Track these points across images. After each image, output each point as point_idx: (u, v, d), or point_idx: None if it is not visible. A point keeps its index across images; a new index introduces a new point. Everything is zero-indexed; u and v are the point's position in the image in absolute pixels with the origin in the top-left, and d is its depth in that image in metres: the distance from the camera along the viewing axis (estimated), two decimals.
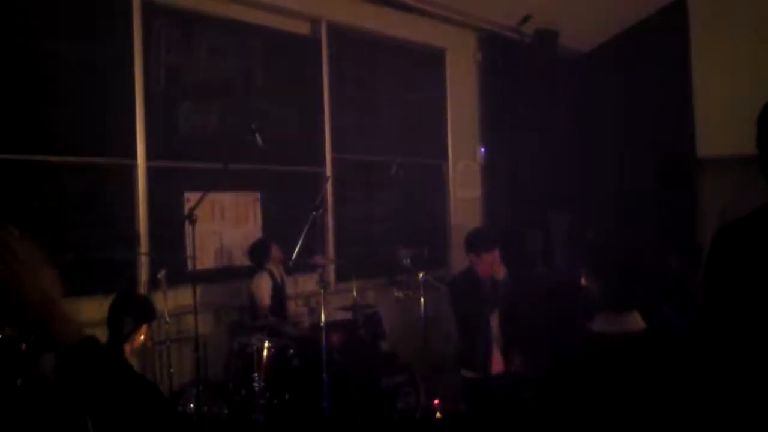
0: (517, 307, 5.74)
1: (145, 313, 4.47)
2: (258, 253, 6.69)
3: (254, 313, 6.50)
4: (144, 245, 6.22)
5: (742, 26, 9.25)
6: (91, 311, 5.50)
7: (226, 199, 6.85)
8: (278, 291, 6.67)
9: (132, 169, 6.22)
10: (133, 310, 4.39)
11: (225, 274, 6.84)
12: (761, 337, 2.19)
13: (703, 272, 2.33)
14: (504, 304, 5.67)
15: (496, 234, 6.24)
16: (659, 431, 2.21)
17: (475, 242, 5.59)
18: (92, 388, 1.59)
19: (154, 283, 5.93)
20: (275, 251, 6.67)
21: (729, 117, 7.93)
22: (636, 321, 2.41)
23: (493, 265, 5.51)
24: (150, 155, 6.30)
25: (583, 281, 2.53)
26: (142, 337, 4.39)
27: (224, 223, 6.86)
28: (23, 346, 1.62)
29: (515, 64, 9.73)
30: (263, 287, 6.53)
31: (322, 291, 6.07)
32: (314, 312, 6.88)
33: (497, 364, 5.68)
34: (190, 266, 5.98)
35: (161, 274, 5.64)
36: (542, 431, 2.39)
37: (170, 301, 5.72)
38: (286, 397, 5.97)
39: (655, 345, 2.38)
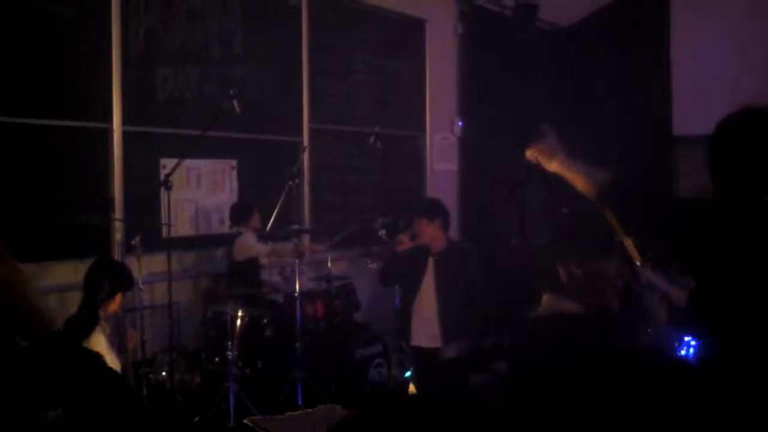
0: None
1: (123, 281, 4.46)
2: (239, 213, 6.61)
3: (245, 279, 6.40)
4: (119, 211, 6.16)
5: (723, 4, 9.29)
6: (66, 275, 5.49)
7: (202, 166, 6.79)
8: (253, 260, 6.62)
9: (108, 133, 6.12)
10: (111, 276, 4.37)
11: (200, 241, 6.80)
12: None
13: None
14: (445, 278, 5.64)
15: (435, 205, 6.00)
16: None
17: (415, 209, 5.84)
18: (59, 377, 1.61)
19: (128, 249, 5.88)
20: (256, 219, 6.61)
21: (707, 96, 7.96)
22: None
23: (425, 235, 5.67)
24: (126, 120, 6.20)
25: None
26: (115, 305, 4.37)
27: (200, 191, 6.81)
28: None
29: (495, 37, 9.68)
30: (253, 245, 6.42)
31: (296, 261, 6.07)
32: (288, 281, 6.87)
33: (416, 336, 5.70)
34: (164, 233, 5.93)
35: (136, 240, 5.59)
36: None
37: (144, 267, 5.68)
38: (259, 366, 5.98)
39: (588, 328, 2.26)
